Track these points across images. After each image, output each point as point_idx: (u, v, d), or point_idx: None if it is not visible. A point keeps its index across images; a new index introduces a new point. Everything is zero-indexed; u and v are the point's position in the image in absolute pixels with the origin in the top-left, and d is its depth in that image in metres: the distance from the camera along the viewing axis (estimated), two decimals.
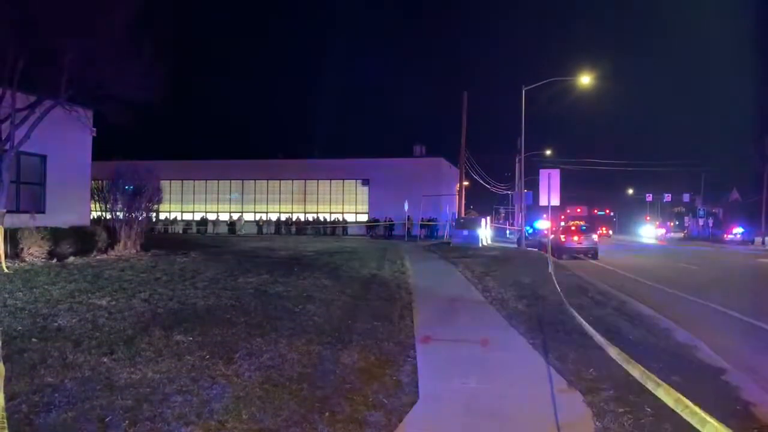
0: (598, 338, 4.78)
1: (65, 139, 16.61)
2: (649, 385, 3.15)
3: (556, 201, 24.10)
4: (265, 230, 44.31)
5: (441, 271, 16.13)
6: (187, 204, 49.61)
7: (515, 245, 31.69)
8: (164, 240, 23.86)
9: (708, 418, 2.47)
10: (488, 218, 38.99)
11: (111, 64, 14.27)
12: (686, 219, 78.05)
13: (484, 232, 32.51)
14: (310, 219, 46.19)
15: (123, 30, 14.17)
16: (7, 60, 13.17)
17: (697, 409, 2.58)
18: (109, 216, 17.34)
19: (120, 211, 17.07)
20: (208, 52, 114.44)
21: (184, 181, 49.05)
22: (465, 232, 30.50)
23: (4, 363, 3.39)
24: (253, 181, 48.57)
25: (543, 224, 31.60)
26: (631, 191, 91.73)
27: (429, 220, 40.96)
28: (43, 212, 16.22)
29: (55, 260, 13.43)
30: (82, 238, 15.25)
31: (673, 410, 2.82)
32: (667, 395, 2.90)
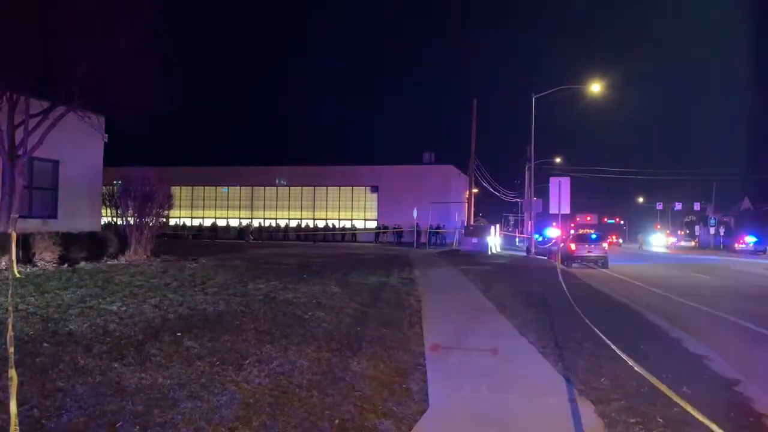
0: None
1: (77, 145, 16.77)
2: None
3: (566, 209, 24.06)
4: (274, 237, 44.43)
5: (450, 279, 16.07)
6: (197, 210, 49.91)
7: (525, 253, 31.60)
8: (174, 246, 23.97)
9: None
10: (497, 226, 38.87)
11: (123, 73, 14.41)
12: (697, 228, 77.44)
13: (493, 240, 32.42)
14: (320, 226, 46.27)
15: (135, 39, 14.31)
16: (21, 68, 13.33)
17: None
18: (119, 221, 17.46)
19: (131, 216, 17.19)
20: (220, 59, 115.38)
21: (194, 187, 49.37)
22: (474, 240, 30.43)
23: (16, 368, 3.41)
24: (263, 187, 48.81)
25: (553, 232, 31.48)
26: (641, 199, 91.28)
27: (438, 228, 40.90)
28: (55, 217, 16.35)
29: (66, 265, 13.53)
30: (93, 244, 15.37)
31: (684, 422, 2.79)
32: None
